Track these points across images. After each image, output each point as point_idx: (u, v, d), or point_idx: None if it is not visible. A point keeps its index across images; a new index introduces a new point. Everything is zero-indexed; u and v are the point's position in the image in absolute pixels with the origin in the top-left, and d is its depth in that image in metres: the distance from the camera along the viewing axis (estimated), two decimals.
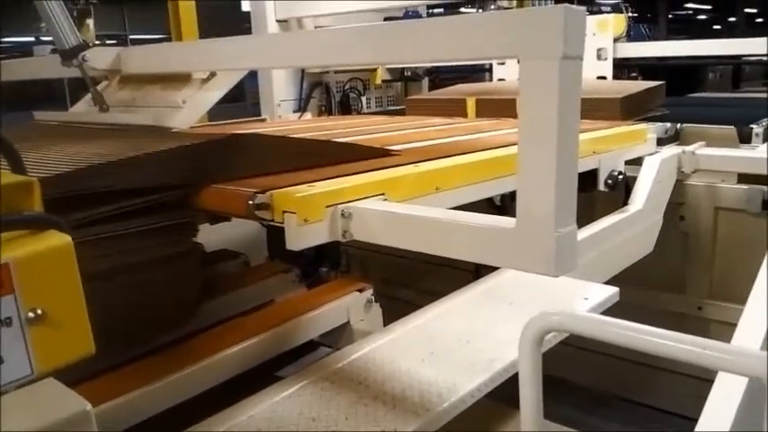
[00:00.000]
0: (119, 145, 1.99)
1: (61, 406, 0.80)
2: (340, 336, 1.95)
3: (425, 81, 4.85)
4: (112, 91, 2.91)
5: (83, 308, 0.81)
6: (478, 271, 2.43)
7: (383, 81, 4.61)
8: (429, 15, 4.87)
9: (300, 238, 1.39)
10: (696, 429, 1.40)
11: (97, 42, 2.80)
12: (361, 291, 2.00)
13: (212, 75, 2.67)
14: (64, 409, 0.80)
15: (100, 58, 2.58)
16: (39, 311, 0.77)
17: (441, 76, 5.06)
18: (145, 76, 2.79)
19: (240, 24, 5.26)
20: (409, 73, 4.66)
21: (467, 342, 1.69)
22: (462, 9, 7.04)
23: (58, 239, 0.80)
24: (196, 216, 1.62)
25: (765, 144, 2.99)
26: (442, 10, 5.52)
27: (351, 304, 1.96)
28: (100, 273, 1.35)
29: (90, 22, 2.90)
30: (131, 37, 15.67)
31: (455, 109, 3.58)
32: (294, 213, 1.38)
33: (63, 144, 2.07)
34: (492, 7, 5.00)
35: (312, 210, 1.40)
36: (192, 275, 1.64)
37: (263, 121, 3.91)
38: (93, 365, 1.49)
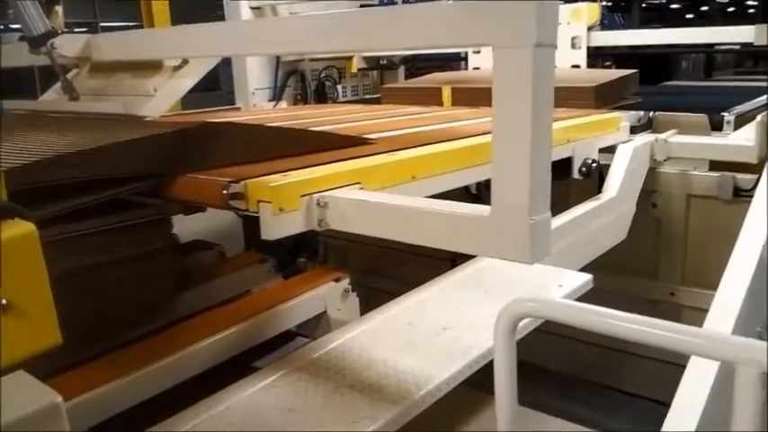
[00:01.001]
0: (88, 134, 1.96)
1: (30, 399, 0.79)
2: (317, 326, 1.95)
3: (401, 70, 4.83)
4: (83, 79, 2.86)
5: (49, 297, 0.80)
6: (455, 259, 2.44)
7: (359, 69, 4.58)
8: (404, 2, 4.86)
9: (276, 227, 1.38)
10: (669, 413, 1.42)
11: (66, 30, 2.74)
12: (337, 280, 1.99)
13: (184, 62, 2.63)
14: (33, 402, 0.79)
15: (69, 45, 2.53)
16: (3, 301, 0.76)
17: (416, 65, 5.04)
18: (116, 64, 2.75)
19: (213, 11, 5.19)
20: (385, 61, 4.64)
21: (443, 330, 1.69)
22: None
23: (22, 228, 0.78)
24: (169, 211, 1.61)
25: (736, 132, 3.03)
26: None
27: (327, 294, 1.96)
28: (70, 270, 1.33)
29: (59, 8, 2.84)
30: (102, 24, 15.39)
31: (431, 98, 3.58)
32: (269, 203, 1.37)
33: (31, 134, 2.02)
34: None
35: (287, 199, 1.39)
36: (166, 272, 1.62)
37: (238, 109, 3.87)
38: (64, 359, 1.47)
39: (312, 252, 2.93)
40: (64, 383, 1.31)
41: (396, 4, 4.52)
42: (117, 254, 1.46)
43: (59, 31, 2.56)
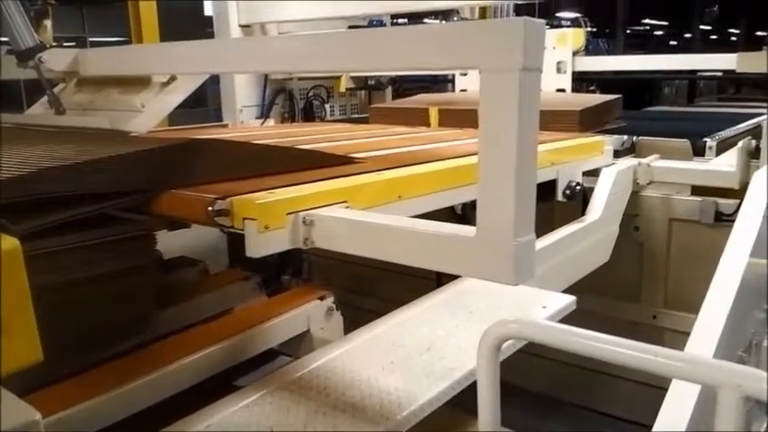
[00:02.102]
0: (73, 149, 1.95)
1: (9, 416, 0.78)
2: (300, 344, 1.93)
3: (389, 90, 4.86)
4: (69, 93, 2.85)
5: (30, 314, 0.79)
6: (440, 279, 2.44)
7: (347, 89, 4.61)
8: (393, 25, 4.90)
9: (261, 245, 1.38)
10: None
11: (54, 44, 2.74)
12: (321, 299, 1.98)
13: (172, 78, 2.63)
14: (12, 419, 0.77)
15: (57, 59, 2.53)
16: None
17: (404, 86, 5.08)
18: (103, 79, 2.74)
19: (203, 29, 5.20)
20: (373, 82, 4.67)
21: (427, 350, 1.69)
22: (426, 20, 7.10)
23: (6, 243, 0.77)
24: (153, 227, 1.60)
25: (718, 157, 3.08)
26: (405, 20, 5.55)
27: (311, 312, 1.95)
28: (53, 285, 1.31)
29: (48, 22, 2.84)
30: (91, 39, 15.36)
31: (418, 118, 3.60)
32: (255, 220, 1.36)
33: (15, 148, 2.01)
34: (455, 19, 5.05)
35: (273, 216, 1.39)
36: (148, 288, 1.61)
37: (225, 126, 3.87)
38: (44, 376, 1.44)
39: (297, 270, 2.92)
40: (43, 400, 1.29)
41: (384, 25, 4.57)
42: (99, 269, 1.45)
43: (48, 46, 2.55)
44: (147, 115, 2.61)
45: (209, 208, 1.39)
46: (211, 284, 2.12)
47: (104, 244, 1.45)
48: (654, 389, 1.64)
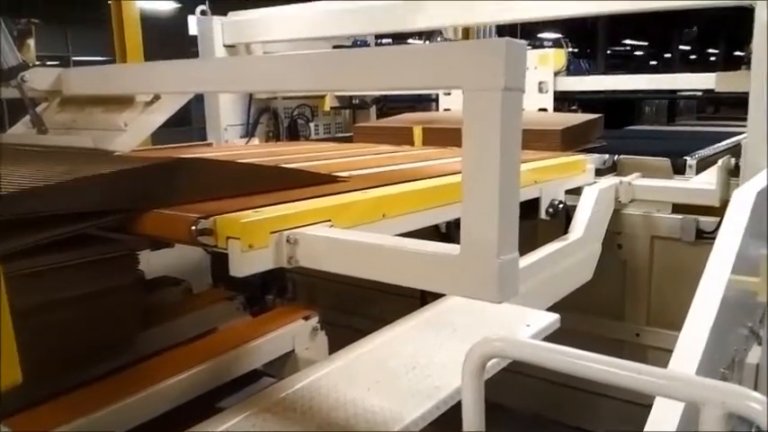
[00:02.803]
0: (54, 168, 1.93)
1: None
2: (284, 365, 1.92)
3: (373, 109, 4.89)
4: (52, 112, 2.83)
5: (10, 335, 0.78)
6: (424, 298, 2.44)
7: (331, 108, 4.62)
8: (377, 45, 4.94)
9: (244, 264, 1.37)
10: None
11: (37, 63, 2.73)
12: (306, 318, 1.97)
13: (156, 98, 2.63)
14: None
15: (40, 78, 2.52)
16: None
17: (388, 105, 5.11)
18: (87, 98, 2.73)
19: (187, 48, 5.21)
20: (357, 101, 4.69)
21: (412, 369, 1.68)
22: (410, 40, 7.17)
23: None
24: (136, 246, 1.59)
25: (699, 175, 3.12)
26: (389, 40, 5.60)
27: (296, 332, 1.93)
28: (34, 306, 1.30)
29: (31, 42, 2.83)
30: (74, 58, 15.33)
31: (402, 137, 3.62)
32: (238, 239, 1.36)
33: None
34: (438, 39, 5.10)
35: (257, 235, 1.39)
36: (130, 309, 1.59)
37: (210, 145, 3.86)
38: (23, 398, 1.42)
39: (281, 289, 2.90)
40: (22, 423, 1.27)
41: (368, 45, 4.60)
42: (81, 290, 1.43)
43: (31, 65, 2.55)
44: (131, 134, 2.60)
45: (193, 227, 1.38)
46: (195, 304, 2.10)
47: (87, 264, 1.44)
48: (639, 406, 1.64)
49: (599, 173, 3.04)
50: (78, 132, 2.65)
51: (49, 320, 1.36)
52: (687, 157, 3.21)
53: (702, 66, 24.65)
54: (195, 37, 3.94)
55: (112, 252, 1.50)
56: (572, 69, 4.74)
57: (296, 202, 1.57)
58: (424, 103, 5.80)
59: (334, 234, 1.45)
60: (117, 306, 1.53)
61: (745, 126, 2.65)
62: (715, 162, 2.91)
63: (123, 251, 1.53)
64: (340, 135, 4.67)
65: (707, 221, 2.79)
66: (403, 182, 1.95)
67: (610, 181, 2.92)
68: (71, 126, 2.73)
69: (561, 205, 2.54)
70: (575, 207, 2.66)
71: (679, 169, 3.19)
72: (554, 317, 1.99)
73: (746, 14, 2.57)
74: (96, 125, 2.66)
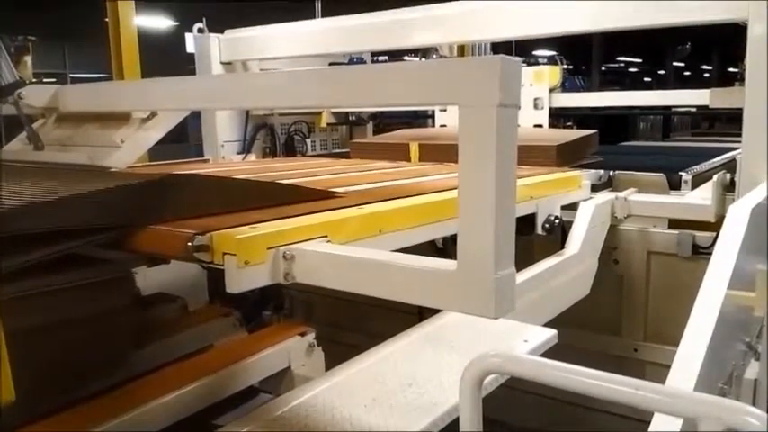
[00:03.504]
0: (51, 185, 1.93)
1: None
2: (281, 381, 1.91)
3: (370, 125, 4.91)
4: (49, 129, 2.83)
5: (3, 354, 0.77)
6: (422, 313, 2.44)
7: (328, 124, 4.64)
8: (373, 62, 4.96)
9: (241, 280, 1.37)
10: None
11: (34, 80, 2.74)
12: (303, 335, 1.96)
13: (153, 114, 2.63)
14: None
15: (36, 95, 2.52)
16: None
17: (385, 121, 5.14)
18: (83, 115, 2.74)
19: (184, 66, 5.23)
20: (354, 117, 4.71)
21: (409, 386, 1.67)
22: (405, 57, 7.21)
23: None
24: (132, 263, 1.58)
25: (694, 191, 3.13)
26: (386, 57, 5.63)
27: (292, 348, 1.92)
28: (29, 327, 1.29)
29: (28, 58, 2.85)
30: (72, 75, 15.37)
31: (399, 153, 3.63)
32: (234, 255, 1.36)
33: None
34: (434, 56, 5.13)
35: (253, 252, 1.38)
36: (126, 329, 1.58)
37: (206, 162, 3.87)
38: (16, 416, 1.41)
39: (278, 305, 2.89)
40: None
41: (364, 62, 4.63)
42: (77, 312, 1.43)
43: (27, 82, 2.55)
44: (127, 151, 2.60)
45: (189, 243, 1.38)
46: (191, 321, 2.10)
47: (83, 286, 1.43)
48: (637, 422, 1.63)
49: (594, 188, 3.05)
50: (74, 149, 2.66)
51: (45, 341, 1.36)
52: (682, 173, 3.23)
53: (696, 82, 24.84)
54: (193, 54, 3.97)
55: (109, 274, 1.50)
56: (567, 86, 4.77)
57: (292, 218, 1.57)
58: (421, 119, 5.84)
59: (331, 250, 1.45)
60: (113, 327, 1.52)
61: (739, 141, 2.67)
62: (710, 177, 2.92)
63: (120, 272, 1.52)
64: (336, 151, 4.69)
65: (703, 237, 2.80)
66: (399, 197, 1.95)
67: (606, 196, 2.92)
68: (67, 143, 2.73)
69: (557, 221, 2.55)
70: (571, 223, 2.66)
71: (674, 185, 3.20)
72: (551, 332, 1.98)
73: (740, 31, 2.59)
74: (92, 141, 2.66)
